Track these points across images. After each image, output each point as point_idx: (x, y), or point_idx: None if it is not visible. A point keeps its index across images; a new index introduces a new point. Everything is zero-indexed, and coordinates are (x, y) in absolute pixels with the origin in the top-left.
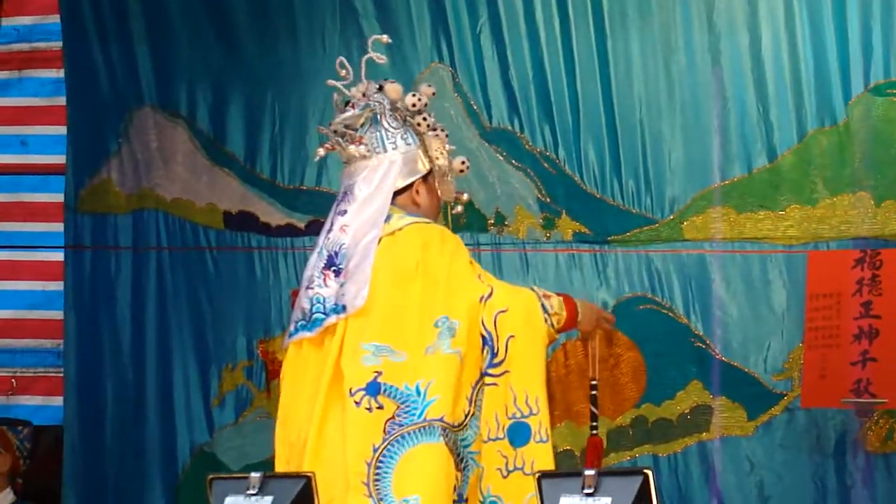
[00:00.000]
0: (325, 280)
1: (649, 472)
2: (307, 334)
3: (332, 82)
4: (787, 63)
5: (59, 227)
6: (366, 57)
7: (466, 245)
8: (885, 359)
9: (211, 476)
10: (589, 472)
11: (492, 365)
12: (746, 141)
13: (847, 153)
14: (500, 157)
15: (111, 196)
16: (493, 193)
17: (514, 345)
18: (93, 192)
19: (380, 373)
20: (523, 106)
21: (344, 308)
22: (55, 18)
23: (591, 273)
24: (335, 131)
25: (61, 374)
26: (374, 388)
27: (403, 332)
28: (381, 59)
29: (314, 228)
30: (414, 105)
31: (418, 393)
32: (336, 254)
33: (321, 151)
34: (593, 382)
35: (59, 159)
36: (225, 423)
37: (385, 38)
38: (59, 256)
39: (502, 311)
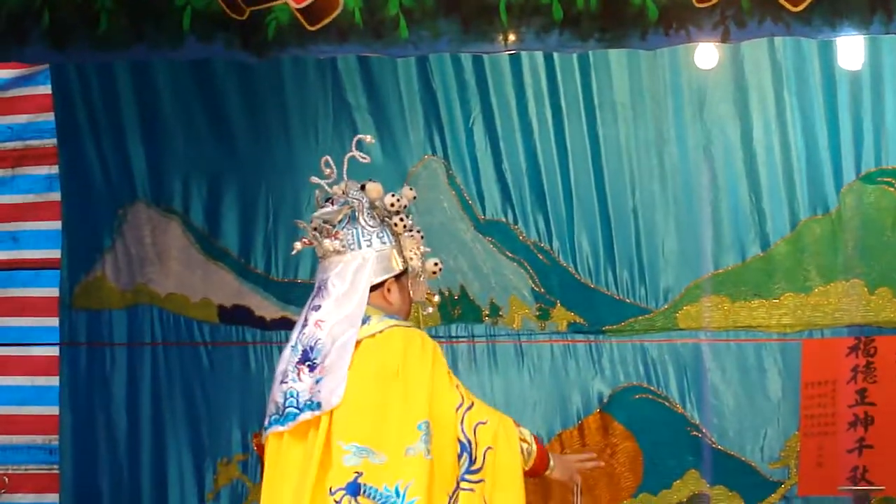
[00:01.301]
0: (298, 374)
1: None
2: (280, 428)
3: (316, 180)
4: (778, 152)
5: (49, 321)
6: (348, 155)
7: (461, 337)
8: (881, 446)
9: None
10: None
11: (469, 472)
12: (739, 230)
13: (840, 241)
14: (494, 249)
15: (105, 292)
16: (488, 284)
17: (491, 456)
18: (87, 288)
19: (360, 473)
20: (517, 197)
21: (319, 405)
22: (48, 116)
23: (586, 363)
24: (314, 227)
25: (54, 471)
26: (353, 489)
27: (384, 434)
28: (364, 158)
29: None
30: (392, 205)
31: (397, 494)
32: (311, 348)
33: (298, 245)
34: None
35: (51, 254)
36: None
37: (369, 138)
38: (48, 351)
39: (482, 423)
